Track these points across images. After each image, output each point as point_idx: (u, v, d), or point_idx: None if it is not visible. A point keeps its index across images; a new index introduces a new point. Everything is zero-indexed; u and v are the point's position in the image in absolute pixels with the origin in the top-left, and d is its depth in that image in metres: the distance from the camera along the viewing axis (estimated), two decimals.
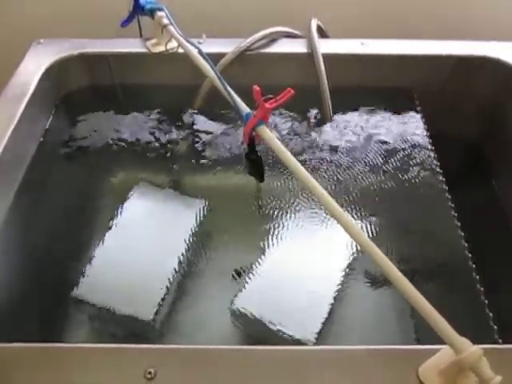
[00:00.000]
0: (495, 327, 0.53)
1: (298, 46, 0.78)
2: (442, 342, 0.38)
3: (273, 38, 0.79)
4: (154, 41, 0.77)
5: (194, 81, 0.73)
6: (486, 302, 0.55)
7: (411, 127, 0.76)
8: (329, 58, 0.74)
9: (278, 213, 0.65)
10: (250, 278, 0.57)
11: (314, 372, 0.42)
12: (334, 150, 0.73)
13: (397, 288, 0.41)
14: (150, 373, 0.41)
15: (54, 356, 0.43)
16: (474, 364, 0.36)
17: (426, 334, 0.52)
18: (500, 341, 0.52)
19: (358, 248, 0.60)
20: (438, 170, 0.69)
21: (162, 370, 0.41)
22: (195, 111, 0.78)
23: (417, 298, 0.39)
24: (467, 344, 0.37)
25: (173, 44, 0.75)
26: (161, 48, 0.76)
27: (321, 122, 0.77)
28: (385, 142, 0.74)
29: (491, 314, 0.54)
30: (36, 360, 0.43)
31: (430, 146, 0.73)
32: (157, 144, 0.75)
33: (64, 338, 0.56)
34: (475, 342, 0.38)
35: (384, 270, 0.41)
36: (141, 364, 0.42)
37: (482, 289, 0.56)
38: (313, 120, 0.77)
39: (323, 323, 0.53)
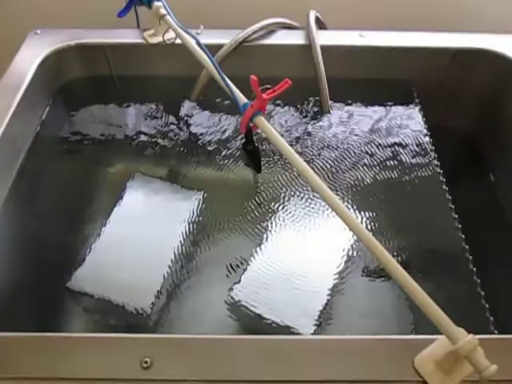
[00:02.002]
0: (491, 318, 0.54)
1: (296, 38, 0.77)
2: (439, 333, 0.39)
3: (271, 30, 0.78)
4: (151, 31, 0.77)
5: (192, 72, 0.73)
6: (483, 293, 0.56)
7: (409, 119, 0.76)
8: (327, 50, 0.74)
9: (275, 204, 0.65)
10: (246, 270, 0.57)
11: (310, 361, 0.42)
12: (331, 141, 0.73)
13: (394, 279, 0.41)
14: (146, 362, 0.41)
15: (50, 345, 0.43)
16: (469, 353, 0.36)
17: (422, 325, 0.52)
18: (496, 332, 0.52)
19: (356, 239, 0.60)
20: (436, 162, 0.69)
21: (158, 359, 0.41)
22: (193, 102, 0.78)
23: (413, 288, 0.40)
24: (463, 334, 0.37)
25: (170, 35, 0.74)
26: (158, 39, 0.75)
27: (319, 113, 0.77)
28: (383, 135, 0.74)
29: (487, 306, 0.55)
30: (32, 349, 0.43)
31: (427, 139, 0.73)
32: (154, 135, 0.75)
33: (61, 328, 0.56)
34: (471, 332, 0.38)
35: (381, 262, 0.41)
36: (137, 353, 0.42)
37: (478, 280, 0.57)
38: (311, 111, 0.77)
39: (320, 314, 0.53)
